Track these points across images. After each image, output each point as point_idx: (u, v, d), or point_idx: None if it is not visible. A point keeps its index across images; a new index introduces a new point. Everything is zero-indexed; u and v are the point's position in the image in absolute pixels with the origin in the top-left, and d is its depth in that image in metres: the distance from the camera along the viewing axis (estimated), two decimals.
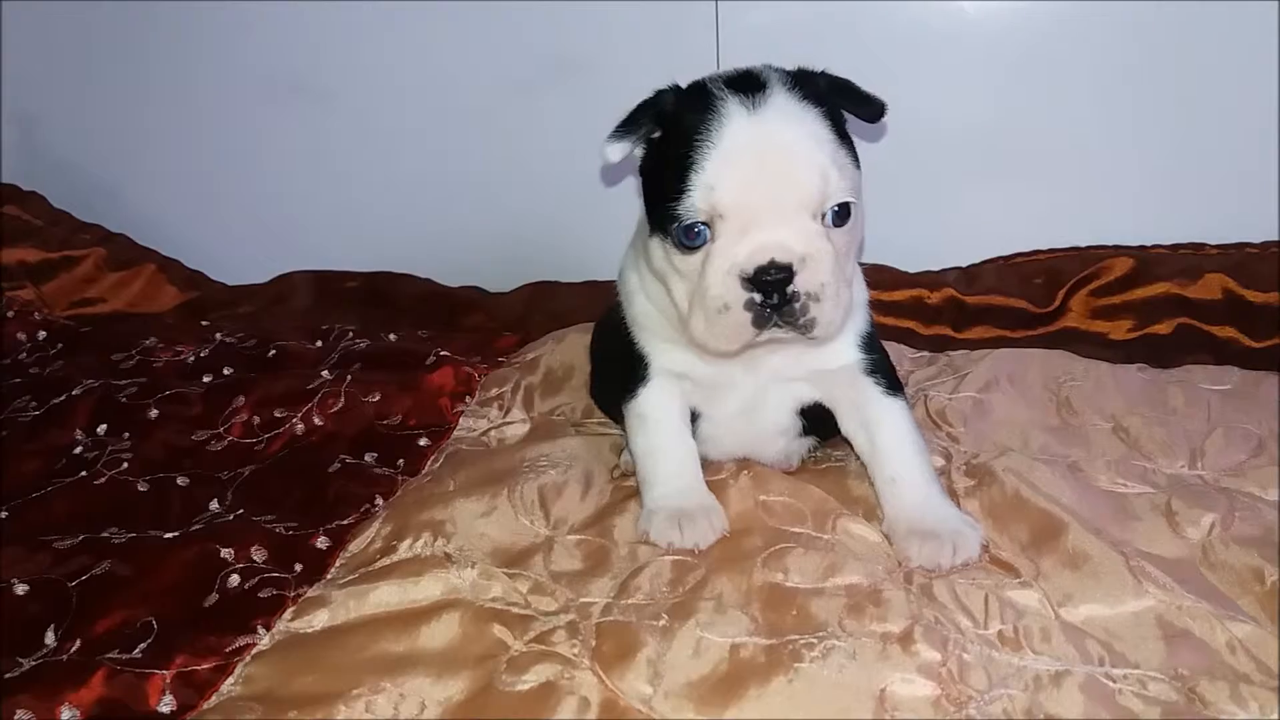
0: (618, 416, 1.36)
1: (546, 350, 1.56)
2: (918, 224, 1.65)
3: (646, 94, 1.04)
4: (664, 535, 1.08)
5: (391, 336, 1.67)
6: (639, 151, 1.07)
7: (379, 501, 1.21)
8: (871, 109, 1.04)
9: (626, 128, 1.05)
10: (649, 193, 1.06)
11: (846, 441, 1.17)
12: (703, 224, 0.98)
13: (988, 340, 1.59)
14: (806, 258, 0.96)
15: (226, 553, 1.10)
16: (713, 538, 1.07)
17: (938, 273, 1.69)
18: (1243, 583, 0.96)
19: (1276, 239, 1.56)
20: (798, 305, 0.96)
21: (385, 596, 0.98)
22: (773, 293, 0.96)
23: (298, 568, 1.08)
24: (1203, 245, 1.58)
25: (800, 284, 0.96)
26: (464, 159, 1.89)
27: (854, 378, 1.12)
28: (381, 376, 1.47)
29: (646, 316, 1.14)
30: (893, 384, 1.14)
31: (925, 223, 1.67)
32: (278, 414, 1.41)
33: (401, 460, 1.31)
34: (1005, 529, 1.06)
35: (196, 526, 1.17)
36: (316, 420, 1.40)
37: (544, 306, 1.83)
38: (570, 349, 1.55)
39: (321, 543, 1.12)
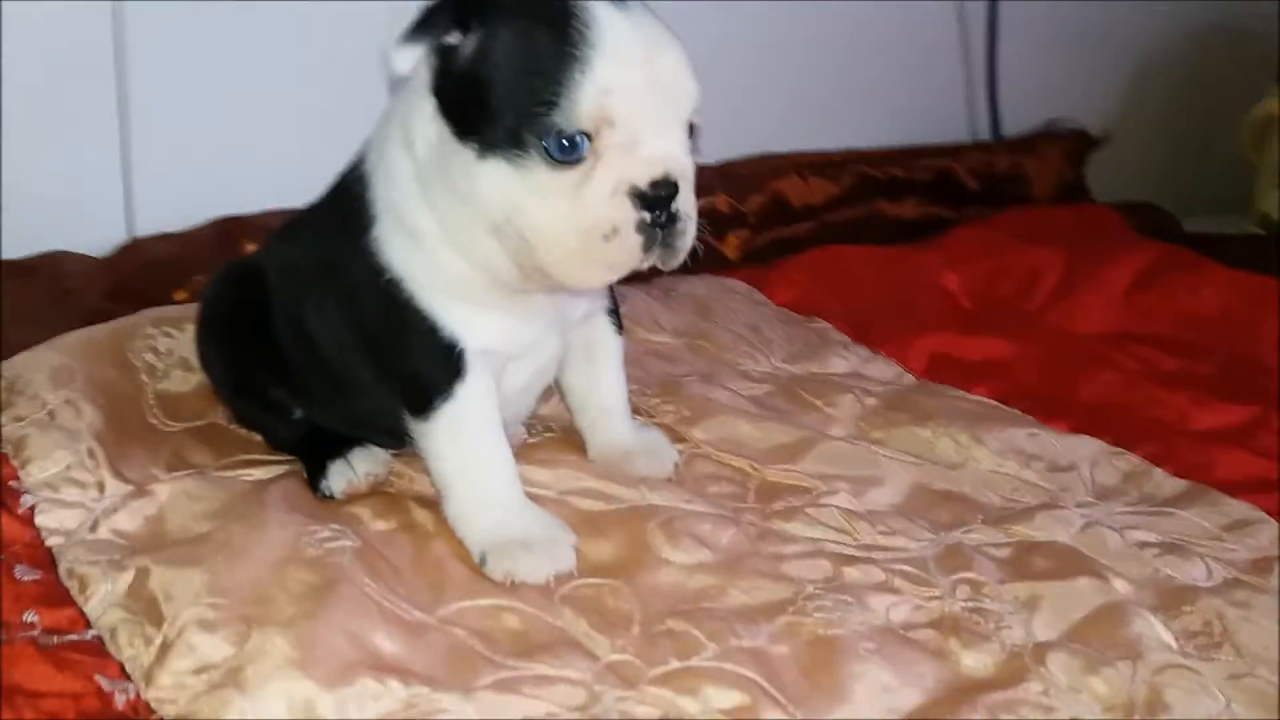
0: (272, 430, 1.09)
1: (35, 390, 1.06)
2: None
3: None
4: (540, 569, 0.91)
5: None
6: (428, 63, 0.87)
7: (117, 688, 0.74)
8: None
9: (422, 28, 0.84)
10: (470, 108, 0.85)
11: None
12: (583, 134, 0.83)
13: None
14: (686, 173, 0.88)
15: None
16: (574, 556, 0.95)
17: None
18: (930, 447, 1.20)
19: None
20: (678, 225, 0.88)
21: None
22: (661, 212, 0.86)
23: None
24: None
25: (681, 202, 0.87)
26: None
27: (597, 317, 1.09)
28: None
29: (457, 278, 0.91)
30: (619, 320, 1.13)
31: None
32: None
33: (35, 615, 0.80)
34: (744, 450, 1.15)
35: None
36: None
37: None
38: (63, 378, 1.09)
39: None
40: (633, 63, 0.84)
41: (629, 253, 0.86)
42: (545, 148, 0.83)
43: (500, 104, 0.84)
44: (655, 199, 0.85)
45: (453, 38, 0.85)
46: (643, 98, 0.84)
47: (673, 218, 0.87)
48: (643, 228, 0.85)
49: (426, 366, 0.93)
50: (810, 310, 1.62)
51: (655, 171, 0.85)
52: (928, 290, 1.70)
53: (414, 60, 0.85)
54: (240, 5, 1.47)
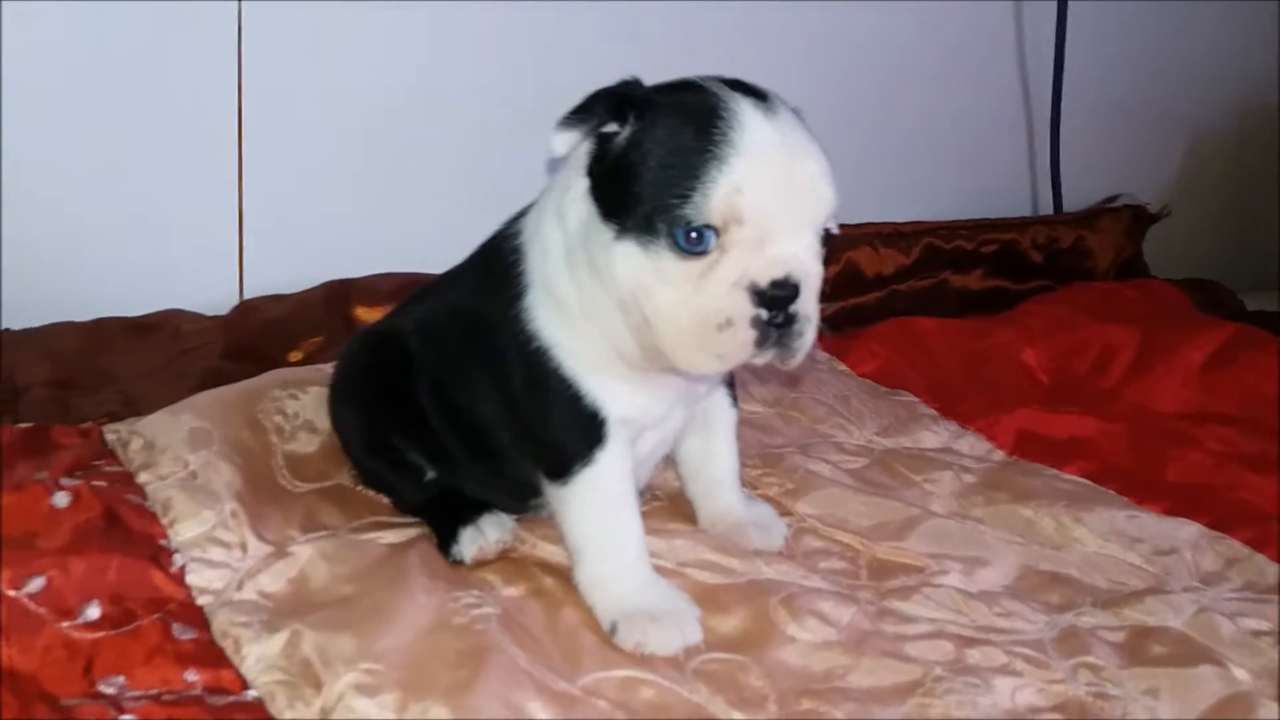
0: (402, 491, 1.12)
1: (175, 451, 1.09)
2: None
3: None
4: (670, 641, 0.93)
5: None
6: (586, 146, 0.93)
7: None
8: None
9: (580, 116, 0.89)
10: (616, 192, 0.90)
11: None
12: (711, 228, 0.87)
13: None
14: (809, 278, 0.90)
15: None
16: (700, 629, 0.96)
17: None
18: (1032, 527, 1.23)
19: None
20: (795, 327, 0.90)
21: None
22: (779, 312, 0.89)
23: None
24: None
25: (801, 305, 0.90)
26: None
27: (716, 390, 1.13)
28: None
29: (595, 350, 0.95)
30: (734, 394, 1.16)
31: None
32: None
33: (195, 674, 0.83)
34: (851, 525, 1.18)
35: None
36: None
37: None
38: (201, 439, 1.11)
39: None
40: (768, 165, 0.87)
41: (741, 346, 0.89)
42: (674, 237, 0.87)
43: (641, 191, 0.88)
44: (774, 298, 0.88)
45: (611, 126, 0.91)
46: (775, 199, 0.87)
47: (790, 319, 0.89)
48: (757, 324, 0.88)
49: (569, 433, 0.97)
50: (893, 382, 1.65)
51: (776, 271, 0.87)
52: (1007, 365, 1.72)
53: (570, 143, 0.90)
54: (351, 74, 1.53)
